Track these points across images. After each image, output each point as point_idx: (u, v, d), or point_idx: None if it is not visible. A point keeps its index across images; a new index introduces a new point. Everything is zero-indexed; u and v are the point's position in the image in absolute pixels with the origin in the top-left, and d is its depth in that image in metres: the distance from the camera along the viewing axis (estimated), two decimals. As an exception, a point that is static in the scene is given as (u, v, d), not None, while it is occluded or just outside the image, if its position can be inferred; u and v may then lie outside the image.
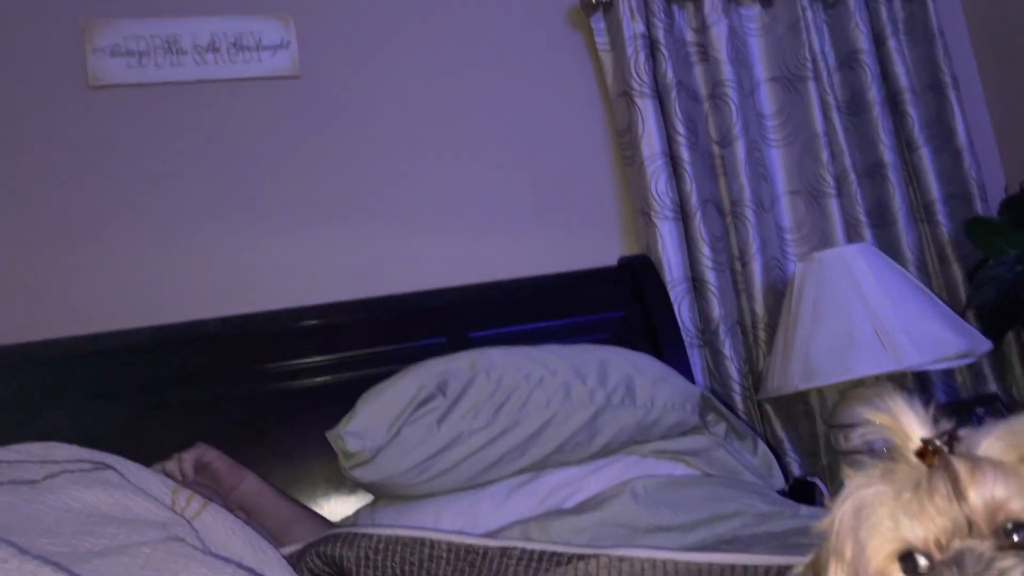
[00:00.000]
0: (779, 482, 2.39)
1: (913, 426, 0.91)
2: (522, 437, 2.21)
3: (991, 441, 0.88)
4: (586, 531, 1.92)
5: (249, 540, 1.77)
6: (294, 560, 1.92)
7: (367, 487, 2.26)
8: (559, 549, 1.79)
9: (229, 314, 2.82)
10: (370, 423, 2.16)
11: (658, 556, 1.72)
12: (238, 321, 2.80)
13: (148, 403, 2.53)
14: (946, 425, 0.92)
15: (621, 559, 1.76)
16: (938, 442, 0.88)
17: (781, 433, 3.21)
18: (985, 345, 2.72)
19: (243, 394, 2.65)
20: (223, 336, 2.74)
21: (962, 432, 0.92)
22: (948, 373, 3.28)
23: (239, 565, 1.63)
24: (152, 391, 2.55)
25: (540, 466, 2.27)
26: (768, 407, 3.22)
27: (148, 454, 2.05)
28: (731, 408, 2.95)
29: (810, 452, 3.24)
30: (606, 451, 2.30)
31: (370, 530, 1.92)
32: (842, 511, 0.90)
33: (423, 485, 2.20)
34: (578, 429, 2.25)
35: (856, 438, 0.95)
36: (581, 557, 1.75)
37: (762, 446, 2.47)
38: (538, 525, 1.97)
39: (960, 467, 0.84)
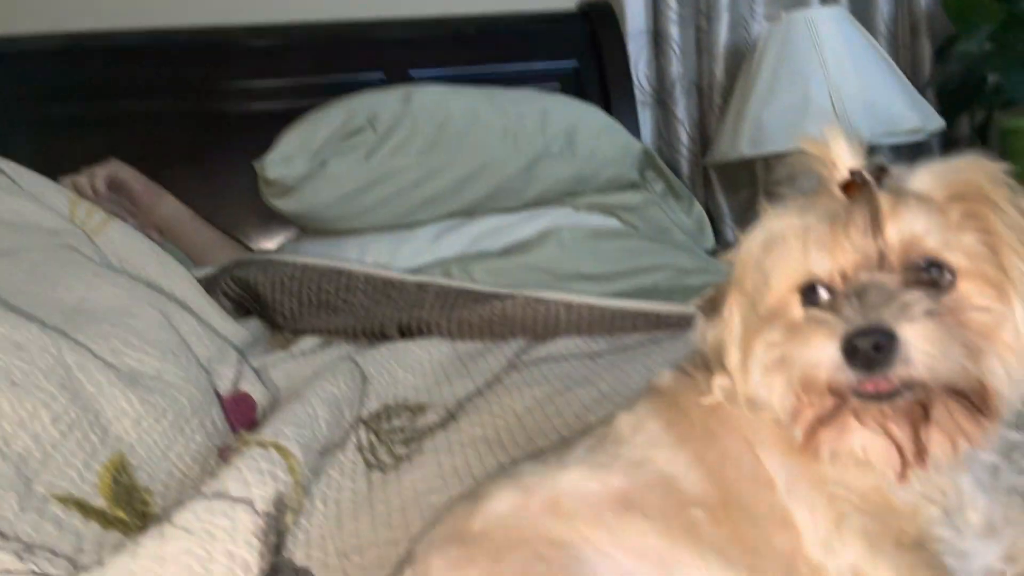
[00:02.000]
0: (710, 243, 2.38)
1: (843, 156, 0.83)
2: (455, 179, 2.13)
3: (924, 176, 0.82)
4: (506, 273, 1.90)
5: (158, 258, 1.71)
6: (208, 283, 1.89)
7: (292, 218, 2.20)
8: (476, 288, 1.77)
9: (155, 26, 2.60)
10: (293, 151, 2.06)
11: (573, 300, 1.71)
12: (164, 34, 2.59)
13: (57, 116, 2.37)
14: (879, 159, 0.86)
15: (537, 300, 1.75)
16: (866, 174, 0.81)
17: (722, 201, 3.18)
18: (937, 123, 2.65)
19: (167, 113, 2.50)
20: (147, 48, 2.54)
21: (896, 169, 0.85)
22: (896, 151, 3.23)
23: (140, 280, 1.58)
24: (61, 102, 2.38)
25: (473, 211, 2.21)
26: (713, 174, 3.17)
27: (55, 172, 1.93)
28: (675, 171, 2.89)
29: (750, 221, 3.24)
30: (541, 200, 2.24)
31: (287, 257, 1.88)
32: (750, 243, 0.85)
33: (349, 220, 2.14)
34: (513, 175, 2.17)
35: (782, 168, 0.86)
36: (497, 296, 1.74)
37: (697, 207, 2.43)
38: (460, 265, 1.95)
39: (883, 199, 0.79)
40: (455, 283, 1.79)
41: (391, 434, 1.30)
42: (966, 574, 0.84)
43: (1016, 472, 0.93)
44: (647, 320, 1.65)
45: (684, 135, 3.08)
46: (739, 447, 0.84)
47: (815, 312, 0.80)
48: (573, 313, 1.69)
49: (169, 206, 2.18)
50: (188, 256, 2.12)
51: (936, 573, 0.77)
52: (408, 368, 1.59)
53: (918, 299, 0.74)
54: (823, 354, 0.76)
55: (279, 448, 0.96)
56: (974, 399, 0.75)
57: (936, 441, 0.76)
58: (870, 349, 0.73)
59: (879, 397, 0.75)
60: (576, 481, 0.83)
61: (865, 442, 0.78)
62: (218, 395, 1.39)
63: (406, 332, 1.74)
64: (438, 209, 2.15)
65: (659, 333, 1.63)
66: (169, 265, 1.70)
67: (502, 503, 0.82)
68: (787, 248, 0.84)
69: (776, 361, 0.80)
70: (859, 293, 0.76)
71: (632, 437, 0.87)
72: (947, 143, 3.14)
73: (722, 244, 2.64)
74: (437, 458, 1.29)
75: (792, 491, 0.80)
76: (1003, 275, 0.78)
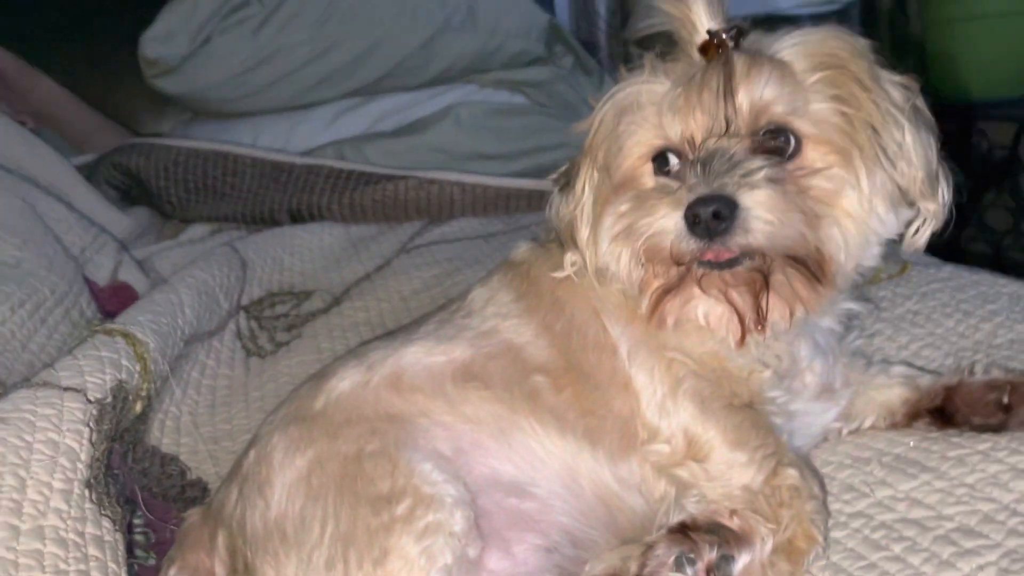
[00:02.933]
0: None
1: (702, 17, 0.79)
2: (349, 55, 2.03)
3: (786, 43, 0.79)
4: (402, 155, 1.84)
5: (27, 146, 1.61)
6: (88, 171, 1.80)
7: (178, 101, 2.09)
8: (368, 169, 1.72)
9: None
10: (173, 28, 1.93)
11: (467, 180, 1.67)
12: None
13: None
14: (739, 21, 0.83)
15: (431, 181, 1.70)
16: (724, 36, 0.78)
17: (641, 77, 3.12)
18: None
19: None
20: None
21: (758, 34, 0.83)
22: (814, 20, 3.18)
23: (12, 172, 1.49)
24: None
25: (372, 90, 2.12)
26: (635, 50, 3.09)
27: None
28: (593, 46, 2.81)
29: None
30: (444, 78, 2.16)
31: (170, 142, 1.79)
32: (604, 110, 0.83)
33: (239, 102, 2.05)
34: (413, 51, 2.07)
35: (638, 27, 0.82)
36: (390, 178, 1.69)
37: (608, 84, 2.37)
38: (353, 146, 1.88)
39: (739, 63, 0.76)
40: (347, 165, 1.73)
41: (274, 321, 1.28)
42: (805, 432, 0.86)
43: (857, 337, 0.95)
44: (542, 199, 1.62)
45: (603, 8, 2.98)
46: (586, 316, 0.84)
47: (663, 180, 0.79)
48: (467, 194, 1.65)
49: (45, 90, 2.04)
50: (70, 142, 2.01)
51: (762, 432, 0.79)
52: (296, 254, 1.56)
53: (760, 166, 0.73)
54: (666, 223, 0.74)
55: (126, 335, 0.92)
56: (811, 266, 0.76)
57: (775, 308, 0.77)
58: (710, 218, 0.72)
59: (720, 265, 0.74)
60: (419, 355, 0.83)
61: (707, 310, 0.79)
62: (92, 285, 1.34)
63: (297, 217, 1.69)
64: (333, 89, 2.06)
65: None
66: (40, 152, 1.61)
67: (344, 381, 0.82)
68: (640, 114, 0.81)
69: (623, 231, 0.79)
70: (705, 161, 0.74)
71: (483, 309, 0.87)
72: (867, 11, 3.10)
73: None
74: (316, 343, 1.27)
75: (633, 357, 0.81)
76: (852, 145, 0.77)
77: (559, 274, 0.85)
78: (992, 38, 2.58)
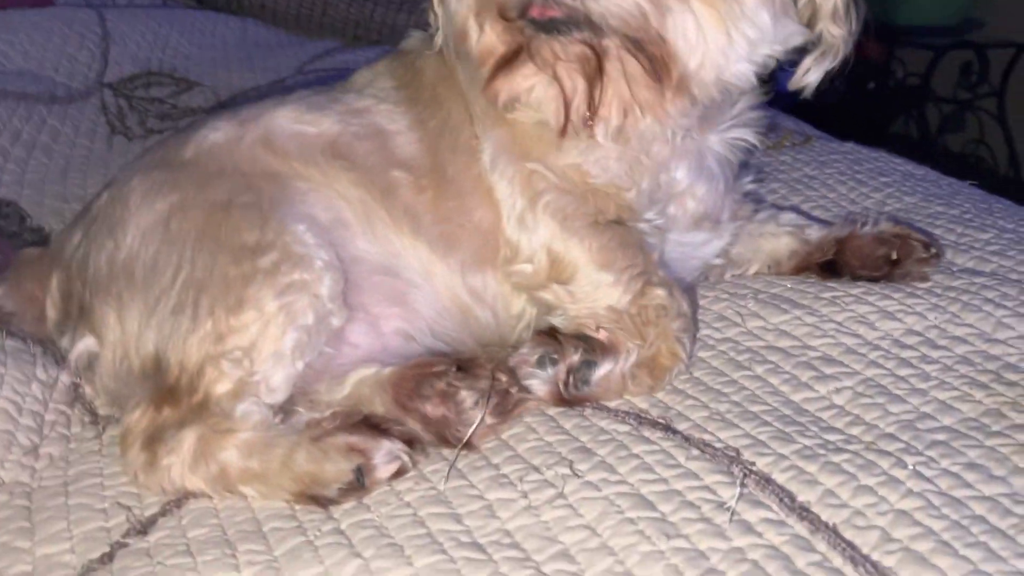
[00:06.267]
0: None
1: None
2: None
3: None
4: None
5: None
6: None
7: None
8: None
9: None
10: None
11: None
12: None
13: None
14: None
15: None
16: None
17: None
18: None
19: None
20: None
21: None
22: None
23: None
24: None
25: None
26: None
27: None
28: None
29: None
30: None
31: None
32: None
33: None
34: None
35: None
36: None
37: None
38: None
39: None
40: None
41: (147, 103, 1.19)
42: (684, 264, 0.84)
43: (752, 180, 0.92)
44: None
45: None
46: (461, 118, 0.78)
47: None
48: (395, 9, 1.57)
49: None
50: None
51: (630, 251, 0.75)
52: (186, 35, 1.43)
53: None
54: None
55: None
56: (654, 60, 0.68)
57: (609, 103, 0.71)
58: None
59: (545, 27, 0.67)
60: (289, 119, 0.77)
61: (536, 86, 0.72)
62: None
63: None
64: None
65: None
66: None
67: (216, 133, 0.76)
68: None
69: None
70: None
71: (361, 89, 0.81)
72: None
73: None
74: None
75: (495, 164, 0.76)
76: None
77: (433, 51, 0.79)
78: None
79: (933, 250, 0.83)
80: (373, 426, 0.66)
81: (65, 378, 0.75)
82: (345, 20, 1.61)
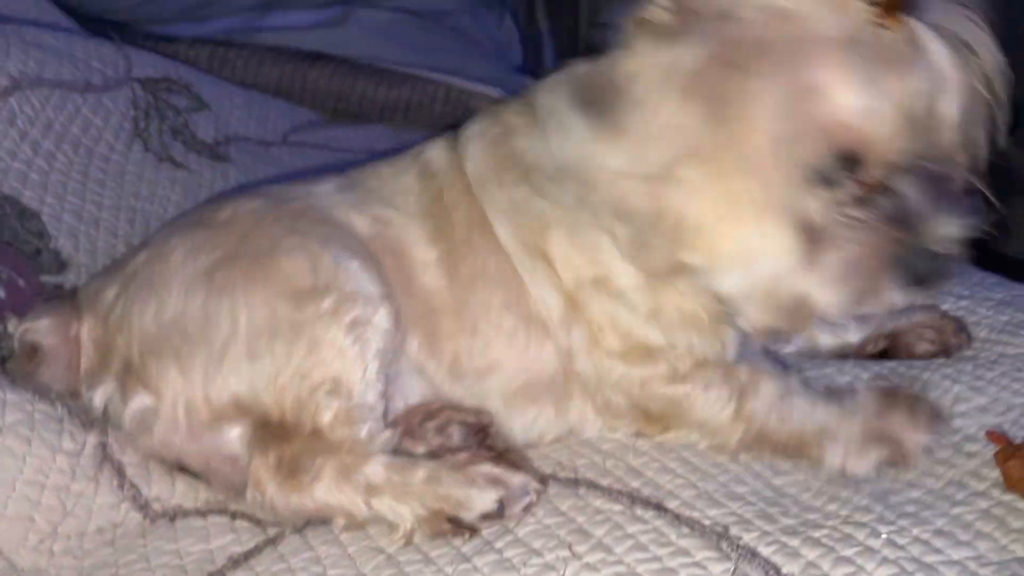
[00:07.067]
0: (516, 58, 2.34)
1: None
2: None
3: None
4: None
5: None
6: None
7: (80, 8, 1.96)
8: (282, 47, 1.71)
9: None
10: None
11: (377, 64, 1.68)
12: None
13: None
14: None
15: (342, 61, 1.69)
16: None
17: (543, 24, 3.11)
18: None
19: None
20: None
21: None
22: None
23: None
24: None
25: (274, 4, 2.05)
26: (537, -3, 3.08)
27: None
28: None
29: (569, 52, 3.19)
30: (343, -2, 2.10)
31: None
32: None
33: (132, 11, 1.93)
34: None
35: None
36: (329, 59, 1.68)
37: (508, 21, 2.37)
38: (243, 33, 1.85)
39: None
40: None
41: (168, 109, 1.23)
42: None
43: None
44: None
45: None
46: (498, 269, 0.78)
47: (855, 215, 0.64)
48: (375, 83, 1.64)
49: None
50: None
51: None
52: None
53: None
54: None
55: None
56: None
57: None
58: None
59: None
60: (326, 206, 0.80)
61: None
62: None
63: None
64: (228, 2, 1.98)
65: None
66: None
67: (254, 202, 0.80)
68: (823, 67, 0.59)
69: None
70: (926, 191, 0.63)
71: (390, 199, 0.82)
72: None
73: (540, 65, 2.60)
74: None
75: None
76: None
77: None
78: None
79: (964, 335, 0.87)
80: (510, 461, 0.72)
81: (93, 439, 0.75)
82: (327, 92, 1.66)
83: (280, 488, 0.70)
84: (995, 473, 0.69)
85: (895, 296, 0.63)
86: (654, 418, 0.77)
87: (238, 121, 1.44)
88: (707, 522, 0.68)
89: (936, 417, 0.73)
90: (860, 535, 0.65)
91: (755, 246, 0.63)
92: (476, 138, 0.81)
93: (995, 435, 0.71)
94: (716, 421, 0.75)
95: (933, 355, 0.86)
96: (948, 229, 0.62)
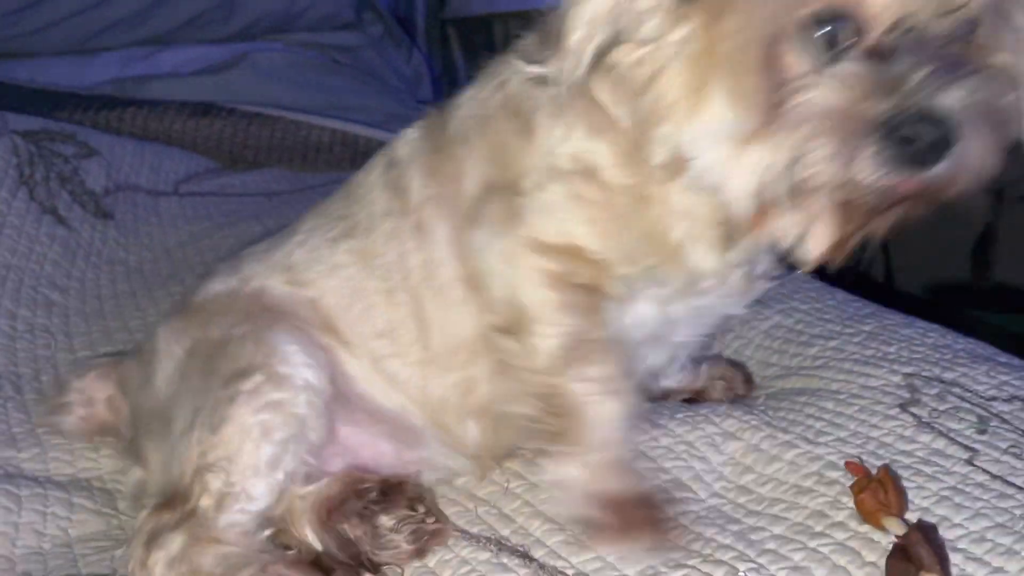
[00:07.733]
0: (426, 93, 2.35)
1: None
2: (139, 4, 1.93)
3: None
4: (187, 95, 1.77)
5: None
6: None
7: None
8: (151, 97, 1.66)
9: None
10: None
11: (269, 112, 1.66)
12: None
13: None
14: None
15: (231, 111, 1.67)
16: None
17: (460, 60, 3.13)
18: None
19: None
20: None
21: None
22: None
23: None
24: None
25: (166, 40, 2.02)
26: (451, 29, 3.10)
27: None
28: (411, 24, 2.80)
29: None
30: (247, 34, 2.08)
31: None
32: None
33: (17, 41, 1.89)
34: (212, 4, 1.99)
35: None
36: (209, 108, 1.65)
37: (417, 56, 2.38)
38: (137, 83, 1.80)
39: None
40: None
41: (53, 158, 1.25)
42: None
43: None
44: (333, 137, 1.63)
45: (420, -15, 2.97)
46: None
47: (854, 69, 0.56)
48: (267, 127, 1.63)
49: None
50: None
51: None
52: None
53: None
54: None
55: None
56: None
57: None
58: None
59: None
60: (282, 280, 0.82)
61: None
62: None
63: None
64: (122, 36, 1.95)
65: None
66: None
67: (217, 283, 0.83)
68: None
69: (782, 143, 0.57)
70: (921, 51, 0.54)
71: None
72: None
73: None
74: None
75: None
76: None
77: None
78: None
79: (750, 384, 0.93)
80: (321, 567, 0.72)
81: None
82: (219, 141, 1.65)
83: (135, 554, 0.71)
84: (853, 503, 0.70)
85: (870, 167, 0.53)
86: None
87: (130, 168, 1.45)
88: (570, 572, 0.67)
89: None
90: (719, 573, 0.65)
91: (722, 111, 0.57)
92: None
93: (854, 466, 0.72)
94: (548, 344, 0.69)
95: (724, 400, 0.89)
96: (950, 98, 0.53)
